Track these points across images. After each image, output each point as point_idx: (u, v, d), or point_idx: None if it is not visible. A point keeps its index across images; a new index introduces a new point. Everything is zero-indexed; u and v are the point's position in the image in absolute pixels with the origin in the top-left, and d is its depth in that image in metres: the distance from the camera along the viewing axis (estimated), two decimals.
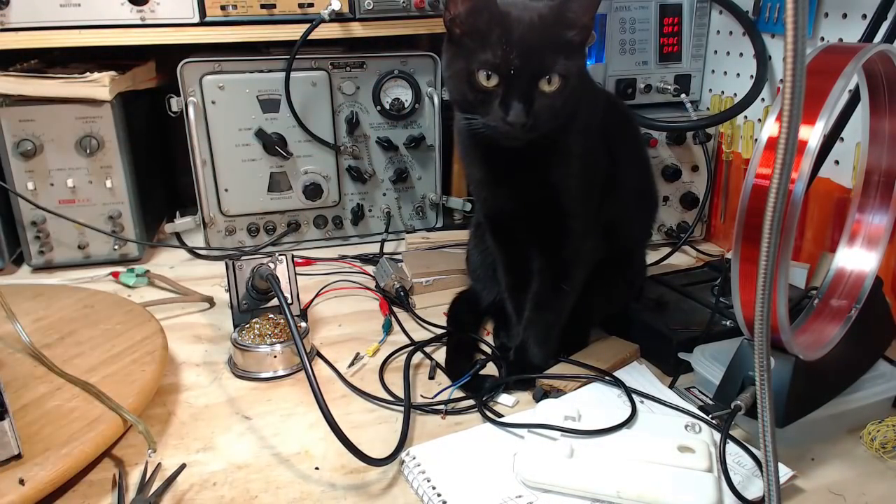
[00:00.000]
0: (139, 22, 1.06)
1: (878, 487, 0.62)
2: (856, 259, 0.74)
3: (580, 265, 0.78)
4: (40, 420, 0.64)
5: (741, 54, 1.13)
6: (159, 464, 0.64)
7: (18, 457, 0.59)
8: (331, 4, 1.07)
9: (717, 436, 0.65)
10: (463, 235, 1.08)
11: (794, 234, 0.54)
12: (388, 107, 1.16)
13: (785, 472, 0.61)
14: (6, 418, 0.58)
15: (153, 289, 1.04)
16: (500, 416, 0.71)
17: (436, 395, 0.76)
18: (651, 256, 1.08)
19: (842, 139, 0.91)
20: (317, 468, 0.65)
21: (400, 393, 0.76)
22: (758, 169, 0.57)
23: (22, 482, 0.57)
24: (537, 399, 0.75)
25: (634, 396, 0.72)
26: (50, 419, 0.65)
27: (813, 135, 0.54)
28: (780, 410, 0.62)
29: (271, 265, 0.84)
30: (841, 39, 0.94)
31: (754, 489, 0.60)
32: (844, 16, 0.93)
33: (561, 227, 0.75)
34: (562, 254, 0.77)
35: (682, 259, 1.12)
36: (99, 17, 1.04)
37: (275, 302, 0.86)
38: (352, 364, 0.83)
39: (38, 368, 0.73)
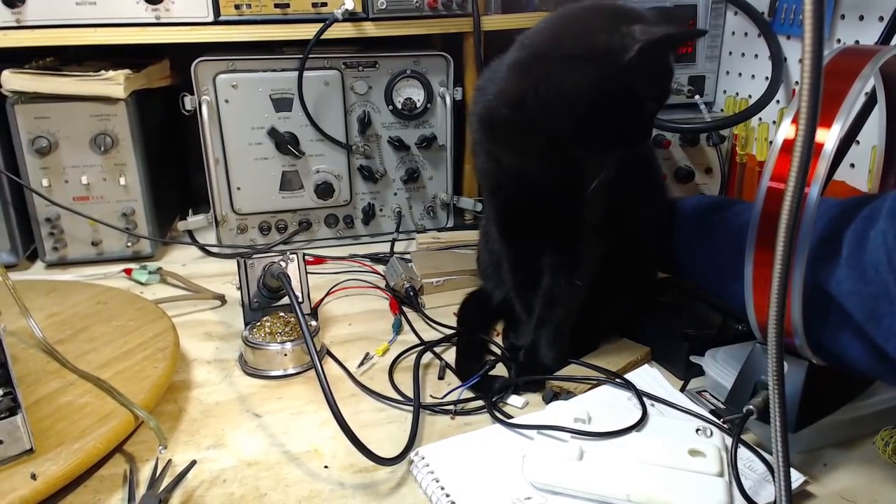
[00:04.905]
0: (154, 21, 1.06)
1: (890, 494, 0.61)
2: None
3: (592, 259, 0.78)
4: (53, 415, 0.65)
5: (756, 56, 1.13)
6: (170, 460, 0.64)
7: (31, 451, 0.60)
8: (344, 4, 1.07)
9: (729, 440, 0.65)
10: (474, 236, 1.08)
11: (809, 238, 0.54)
12: (400, 106, 1.16)
13: (797, 478, 0.60)
14: (19, 413, 0.59)
15: (165, 286, 1.05)
16: (510, 417, 0.71)
17: (445, 396, 0.76)
18: None
19: (858, 142, 0.90)
20: (326, 467, 0.65)
21: (409, 393, 0.76)
22: (773, 172, 0.57)
23: (34, 477, 0.57)
24: (547, 401, 0.74)
25: (645, 399, 0.72)
26: (62, 414, 0.65)
27: (829, 138, 0.54)
28: (792, 415, 0.61)
29: (282, 263, 0.85)
30: (858, 41, 0.93)
31: (766, 494, 0.59)
32: (861, 18, 0.92)
33: (578, 222, 0.75)
34: (576, 249, 0.76)
35: None
36: (114, 15, 1.05)
37: (286, 300, 0.86)
38: (362, 363, 0.83)
39: (51, 364, 0.73)
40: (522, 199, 0.77)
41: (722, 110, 1.19)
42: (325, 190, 1.16)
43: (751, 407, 0.63)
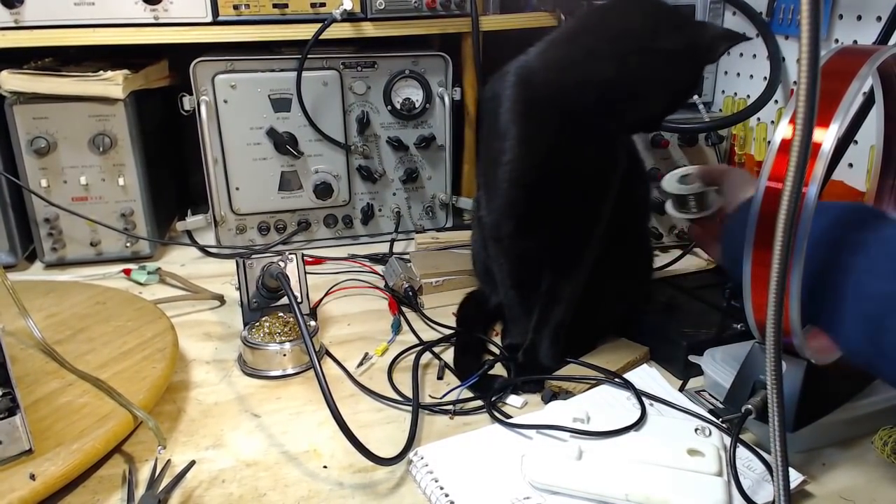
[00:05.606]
0: (153, 21, 1.06)
1: (889, 493, 0.61)
2: None
3: (593, 256, 0.78)
4: (51, 416, 0.65)
5: (754, 56, 1.13)
6: (169, 460, 0.64)
7: (30, 452, 0.60)
8: (342, 4, 1.07)
9: (728, 439, 0.65)
10: None
11: (806, 238, 0.54)
12: (398, 107, 1.16)
13: (795, 477, 0.60)
14: (18, 413, 0.59)
15: (164, 286, 1.05)
16: (509, 416, 0.71)
17: (444, 396, 0.76)
18: (662, 259, 1.08)
19: (855, 142, 0.90)
20: (325, 467, 0.65)
21: (408, 393, 0.76)
22: (771, 172, 0.57)
23: (33, 477, 0.57)
24: (546, 400, 0.74)
25: (644, 399, 0.72)
26: (61, 415, 0.65)
27: (827, 138, 0.54)
28: (790, 415, 0.61)
29: (281, 264, 0.85)
30: (855, 41, 0.93)
31: (764, 494, 0.60)
32: (859, 17, 0.92)
33: (593, 216, 0.75)
34: (580, 245, 0.76)
35: (693, 262, 1.12)
36: (113, 15, 1.05)
37: (285, 300, 0.86)
38: (360, 363, 0.83)
39: (50, 364, 0.73)
40: (551, 190, 0.74)
41: (720, 110, 1.19)
42: (323, 190, 1.16)
43: (749, 406, 0.63)
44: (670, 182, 0.81)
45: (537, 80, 0.71)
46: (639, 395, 0.72)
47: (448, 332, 0.89)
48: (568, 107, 0.70)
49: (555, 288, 0.78)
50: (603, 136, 0.72)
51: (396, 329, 0.90)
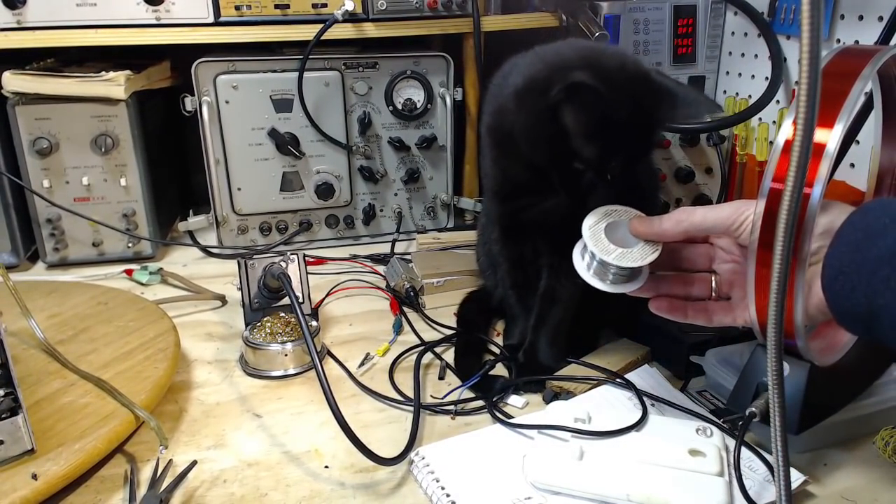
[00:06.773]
0: (154, 22, 1.06)
1: (891, 494, 0.61)
2: None
3: None
4: (54, 415, 0.65)
5: (756, 56, 1.13)
6: (171, 460, 0.64)
7: (32, 452, 0.60)
8: (344, 5, 1.07)
9: (729, 440, 0.65)
10: (474, 236, 1.08)
11: (810, 239, 0.54)
12: (400, 107, 1.16)
13: (797, 478, 0.60)
14: (20, 413, 0.59)
15: (166, 286, 1.05)
16: (510, 417, 0.71)
17: (446, 396, 0.76)
18: None
19: (857, 142, 0.90)
20: (326, 467, 0.65)
21: (410, 393, 0.76)
22: (774, 173, 0.57)
23: (35, 477, 0.57)
24: (547, 400, 0.74)
25: (645, 399, 0.72)
26: (63, 415, 0.65)
27: (831, 138, 0.54)
28: (793, 417, 0.61)
29: (283, 264, 0.85)
30: (857, 41, 0.93)
31: (766, 494, 0.60)
32: (861, 18, 0.92)
33: (576, 223, 0.75)
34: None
35: None
36: (115, 16, 1.05)
37: (286, 301, 0.86)
38: (362, 363, 0.83)
39: (52, 364, 0.74)
40: (523, 201, 0.77)
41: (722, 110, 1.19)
42: (325, 190, 1.17)
43: (753, 409, 0.62)
44: (599, 237, 0.63)
45: (494, 103, 0.74)
46: (640, 395, 0.72)
47: (449, 332, 0.89)
48: (501, 133, 0.72)
49: (552, 289, 0.79)
50: (554, 163, 0.69)
51: (398, 329, 0.90)
